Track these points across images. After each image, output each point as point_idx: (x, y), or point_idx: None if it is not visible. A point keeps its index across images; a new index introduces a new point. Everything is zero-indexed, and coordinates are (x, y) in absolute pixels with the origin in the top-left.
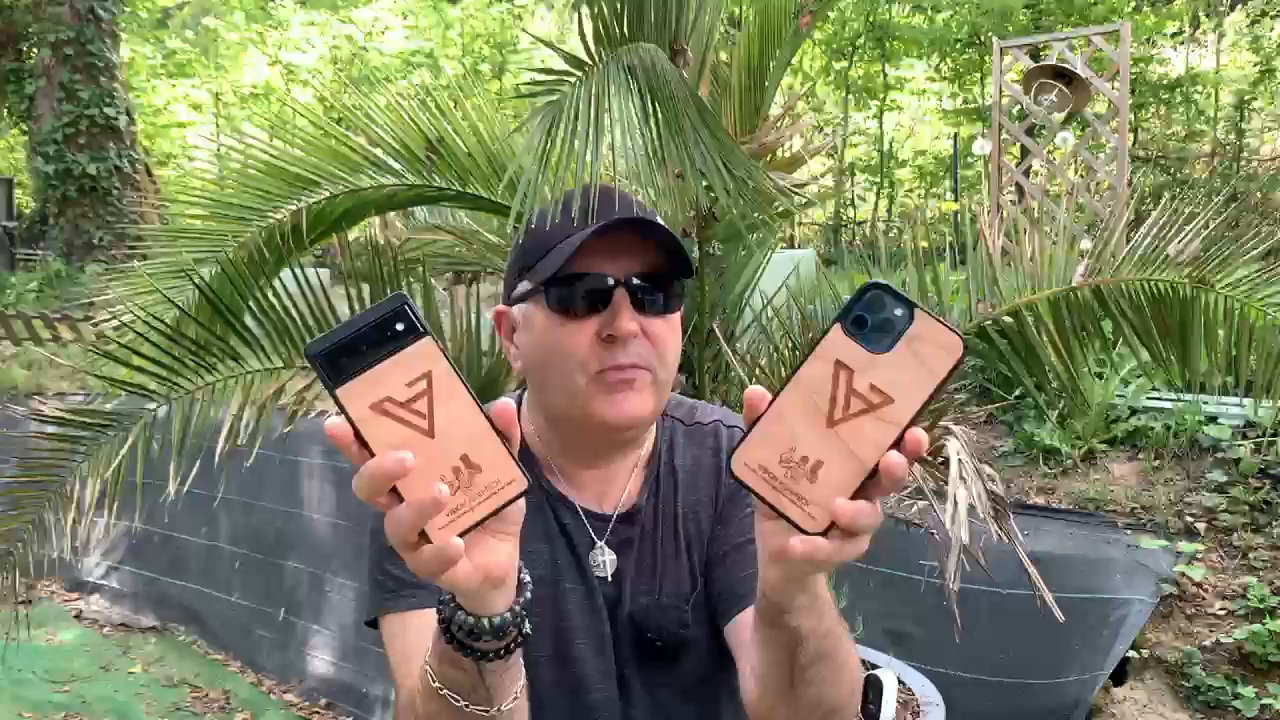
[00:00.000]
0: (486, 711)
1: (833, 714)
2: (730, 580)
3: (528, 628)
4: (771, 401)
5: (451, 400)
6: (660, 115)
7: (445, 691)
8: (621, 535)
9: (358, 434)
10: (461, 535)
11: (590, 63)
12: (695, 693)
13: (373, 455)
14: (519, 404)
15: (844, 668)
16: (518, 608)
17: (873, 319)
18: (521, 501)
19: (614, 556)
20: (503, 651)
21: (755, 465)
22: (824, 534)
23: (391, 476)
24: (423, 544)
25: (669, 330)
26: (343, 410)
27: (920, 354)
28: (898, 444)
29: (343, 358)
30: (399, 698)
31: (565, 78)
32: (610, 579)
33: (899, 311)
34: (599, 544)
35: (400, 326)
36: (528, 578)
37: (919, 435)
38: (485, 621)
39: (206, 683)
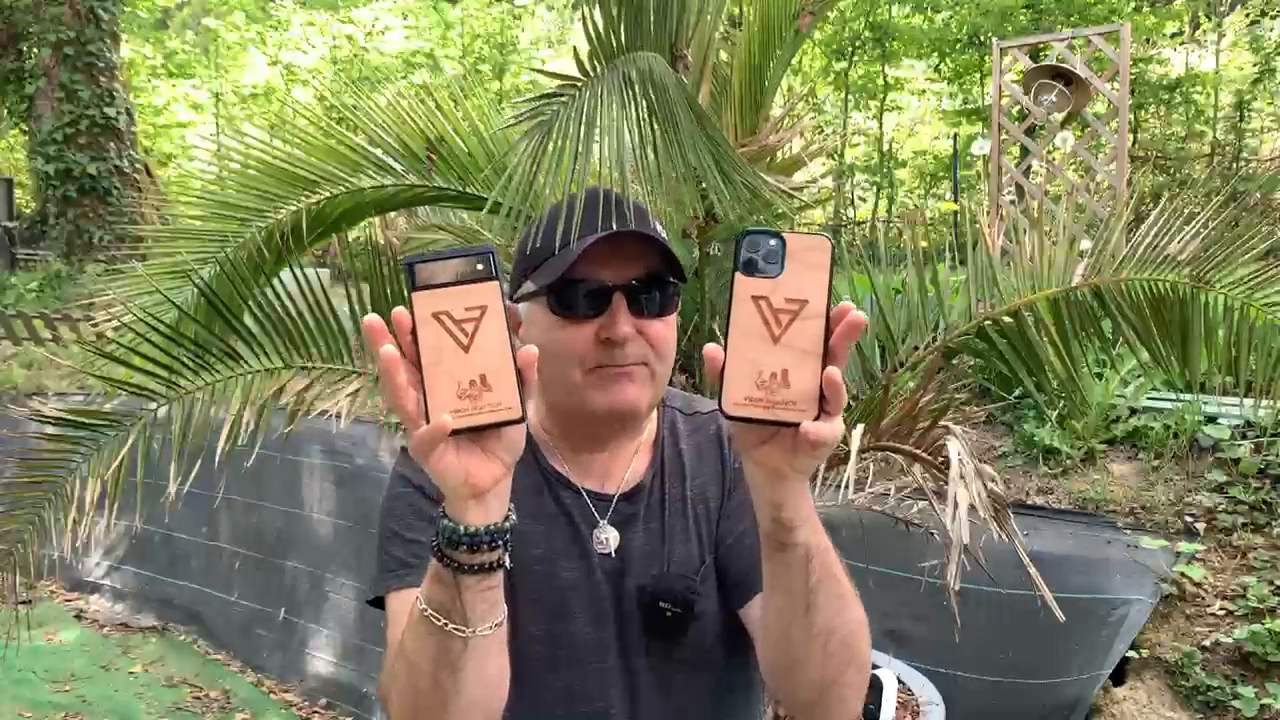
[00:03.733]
0: (462, 632)
1: (845, 647)
2: (746, 562)
3: (507, 561)
4: (725, 350)
5: (492, 332)
6: (657, 123)
7: (429, 612)
8: (624, 513)
9: (414, 329)
10: (456, 431)
11: (584, 79)
12: (701, 664)
13: (418, 348)
14: None
15: (849, 594)
16: (493, 528)
17: (758, 256)
18: (518, 435)
19: (616, 534)
20: (476, 568)
21: (741, 399)
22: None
23: (392, 361)
24: (423, 424)
25: (666, 329)
26: (412, 308)
27: (805, 260)
28: (829, 326)
29: (430, 271)
30: (384, 666)
31: (557, 97)
32: (614, 554)
33: (773, 241)
34: (601, 522)
35: (480, 266)
36: (514, 516)
37: (841, 307)
38: (462, 528)
39: (206, 683)
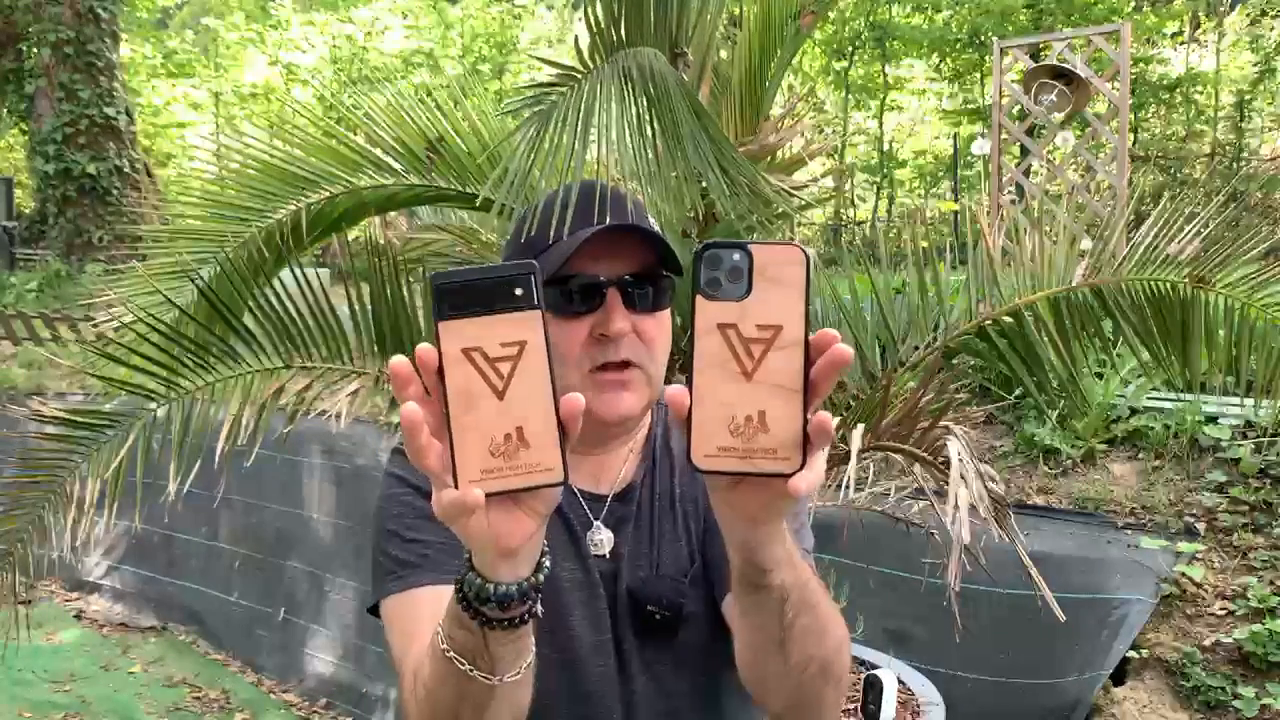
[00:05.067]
0: (488, 679)
1: (823, 671)
2: (722, 557)
3: (538, 609)
4: (690, 391)
5: (532, 375)
6: (657, 119)
7: (451, 654)
8: (618, 514)
9: (441, 368)
10: (486, 495)
11: (583, 71)
12: (693, 666)
13: (445, 389)
14: None
15: (829, 620)
16: (525, 585)
17: (722, 275)
18: (556, 491)
19: (611, 535)
20: (506, 623)
21: (714, 450)
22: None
23: (414, 420)
24: (449, 489)
25: (659, 328)
26: (438, 342)
27: (775, 277)
28: (809, 356)
29: (460, 296)
30: (401, 677)
31: (555, 87)
32: (608, 556)
33: (736, 256)
34: (596, 523)
35: (519, 291)
36: (548, 564)
37: (823, 336)
38: (491, 587)
39: (206, 683)
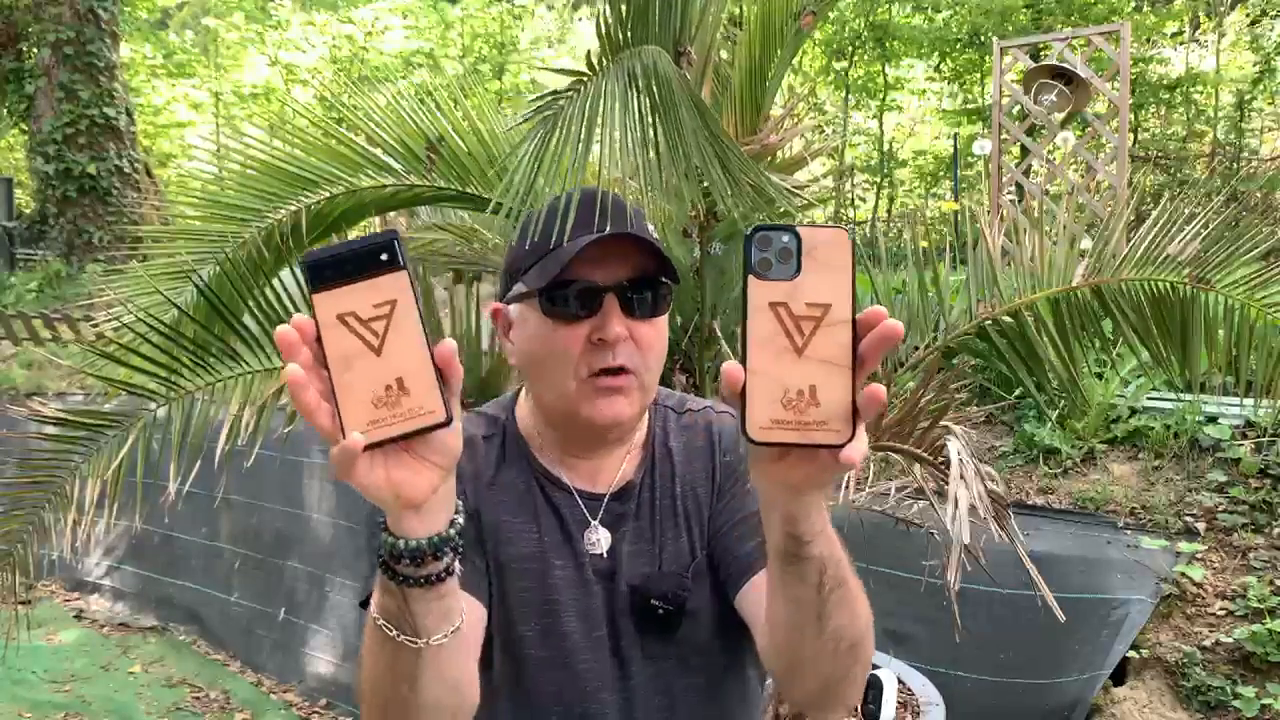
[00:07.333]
0: (414, 643)
1: (853, 649)
2: (739, 552)
3: (456, 567)
4: (745, 367)
5: (404, 330)
6: (660, 119)
7: (380, 620)
8: (615, 512)
9: (319, 335)
10: (374, 445)
11: (591, 75)
12: (696, 663)
13: (325, 355)
14: (517, 395)
15: (859, 597)
16: (437, 539)
17: (772, 256)
18: (451, 438)
19: (608, 534)
20: (423, 580)
21: (768, 422)
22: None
23: (298, 377)
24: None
25: (655, 334)
26: (313, 313)
27: (823, 259)
28: (857, 333)
29: (329, 269)
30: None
31: (565, 94)
32: (605, 555)
33: (785, 238)
34: (593, 523)
35: (385, 257)
36: (461, 520)
37: (872, 313)
38: (402, 543)
39: (206, 683)
